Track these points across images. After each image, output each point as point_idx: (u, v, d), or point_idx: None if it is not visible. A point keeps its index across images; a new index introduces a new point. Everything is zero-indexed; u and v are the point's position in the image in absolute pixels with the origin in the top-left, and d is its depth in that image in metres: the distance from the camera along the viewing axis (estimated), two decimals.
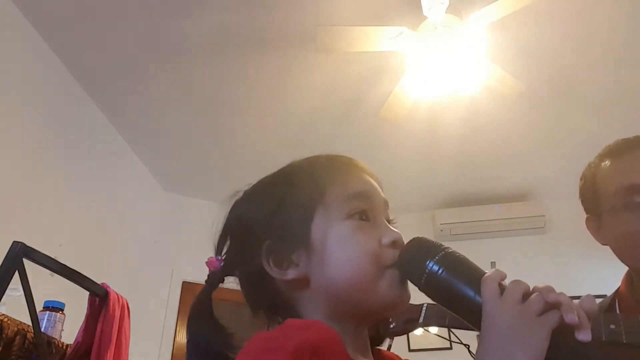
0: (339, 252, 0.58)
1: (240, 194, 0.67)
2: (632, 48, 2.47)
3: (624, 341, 0.81)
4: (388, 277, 0.57)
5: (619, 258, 0.95)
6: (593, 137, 3.08)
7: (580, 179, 1.03)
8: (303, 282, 0.59)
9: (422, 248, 0.56)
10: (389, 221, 0.64)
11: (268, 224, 0.61)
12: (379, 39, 2.16)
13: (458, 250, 0.55)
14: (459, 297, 0.51)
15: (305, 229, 0.59)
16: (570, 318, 0.45)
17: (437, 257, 0.53)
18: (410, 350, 3.34)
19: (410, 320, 1.06)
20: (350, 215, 0.60)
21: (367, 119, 2.95)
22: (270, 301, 0.62)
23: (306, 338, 0.48)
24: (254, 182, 0.68)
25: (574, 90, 2.75)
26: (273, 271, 0.60)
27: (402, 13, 2.25)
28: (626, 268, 0.98)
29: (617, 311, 0.95)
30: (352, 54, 2.41)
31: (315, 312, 0.59)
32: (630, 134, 1.01)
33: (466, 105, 2.82)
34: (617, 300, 0.97)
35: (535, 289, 0.48)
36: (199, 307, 0.62)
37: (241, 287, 0.64)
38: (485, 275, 0.50)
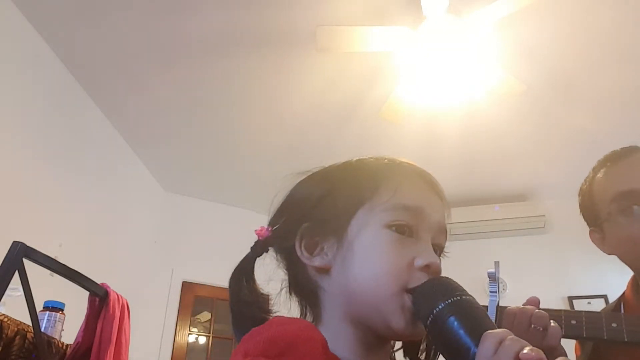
0: (364, 257, 0.56)
1: (306, 175, 0.66)
2: (633, 48, 2.47)
3: (625, 339, 0.81)
4: (406, 302, 0.53)
5: (625, 263, 0.96)
6: (593, 137, 3.10)
7: (579, 195, 1.05)
8: (328, 272, 0.59)
9: (439, 287, 0.52)
10: (440, 249, 0.61)
11: (314, 206, 0.61)
12: (379, 39, 2.16)
13: (472, 296, 0.50)
14: (457, 346, 0.46)
15: (344, 221, 0.58)
16: None
17: (449, 301, 0.49)
18: None
19: None
20: (390, 225, 0.56)
21: (367, 119, 2.95)
22: (299, 283, 0.62)
23: (282, 331, 0.49)
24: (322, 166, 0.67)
25: (575, 91, 2.75)
26: (302, 254, 0.59)
27: (402, 13, 2.25)
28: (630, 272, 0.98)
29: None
30: (352, 54, 2.41)
31: (332, 305, 0.58)
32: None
33: (466, 105, 2.82)
34: (622, 304, 0.98)
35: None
36: (239, 272, 0.63)
37: (280, 264, 0.64)
38: (489, 331, 0.45)
